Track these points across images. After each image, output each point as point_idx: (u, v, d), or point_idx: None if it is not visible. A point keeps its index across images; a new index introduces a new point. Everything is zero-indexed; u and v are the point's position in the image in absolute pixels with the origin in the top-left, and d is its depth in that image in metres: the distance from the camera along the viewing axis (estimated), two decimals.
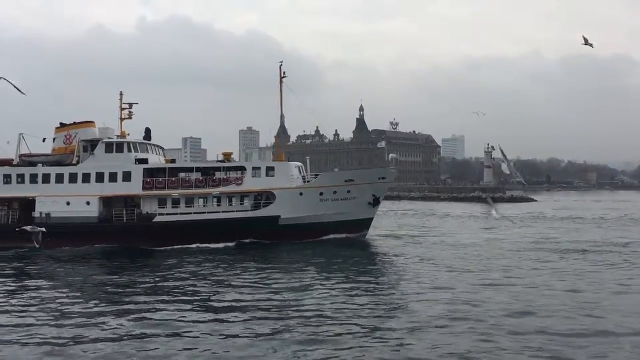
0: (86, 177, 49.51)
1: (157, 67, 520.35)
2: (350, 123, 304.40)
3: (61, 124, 53.81)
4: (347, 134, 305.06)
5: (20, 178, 50.23)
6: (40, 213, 49.28)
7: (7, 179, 50.32)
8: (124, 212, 49.63)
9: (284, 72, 53.75)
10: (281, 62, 53.55)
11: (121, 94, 54.01)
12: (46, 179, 49.82)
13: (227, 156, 53.13)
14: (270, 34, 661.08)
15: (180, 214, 48.72)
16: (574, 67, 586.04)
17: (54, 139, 53.33)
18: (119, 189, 49.42)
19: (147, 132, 53.94)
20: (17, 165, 52.03)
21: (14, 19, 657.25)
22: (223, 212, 48.66)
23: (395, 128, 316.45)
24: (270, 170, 49.13)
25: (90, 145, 51.27)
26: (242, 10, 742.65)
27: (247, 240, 47.66)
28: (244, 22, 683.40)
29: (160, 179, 49.55)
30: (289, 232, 47.72)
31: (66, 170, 50.00)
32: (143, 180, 49.31)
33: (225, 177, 49.77)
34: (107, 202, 50.02)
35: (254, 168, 49.48)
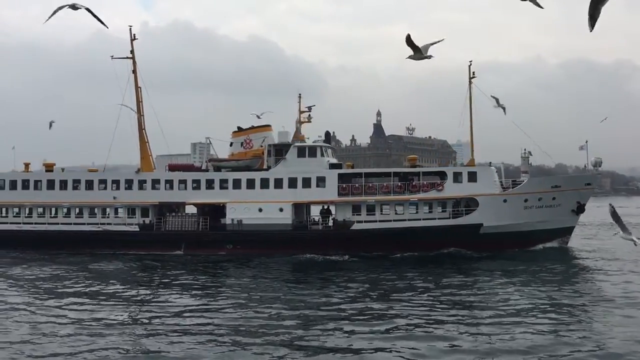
0: (278, 183, 48.17)
1: (159, 72, 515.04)
2: (357, 128, 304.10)
3: (238, 128, 52.84)
4: (360, 139, 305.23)
5: (210, 184, 48.86)
6: (232, 220, 47.96)
7: (196, 184, 48.95)
8: (320, 219, 48.60)
9: (474, 72, 51.08)
10: (470, 61, 51.94)
11: (300, 96, 52.80)
12: (237, 184, 48.47)
13: (413, 160, 51.84)
14: (271, 39, 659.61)
15: (380, 221, 47.51)
16: (576, 73, 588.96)
17: (231, 144, 52.13)
18: (314, 195, 48.12)
19: (327, 135, 52.88)
20: (206, 170, 50.78)
21: (16, 25, 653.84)
22: (423, 219, 47.50)
23: (412, 133, 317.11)
24: (472, 175, 47.90)
25: (275, 149, 50.03)
26: (242, 15, 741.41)
27: (446, 250, 46.27)
28: (245, 28, 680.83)
29: (357, 185, 48.33)
30: (490, 241, 46.23)
31: (257, 176, 48.69)
32: (338, 186, 48.06)
33: (424, 182, 48.55)
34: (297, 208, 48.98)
35: (455, 173, 48.15)
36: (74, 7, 23.06)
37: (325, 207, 49.37)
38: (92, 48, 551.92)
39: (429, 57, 20.49)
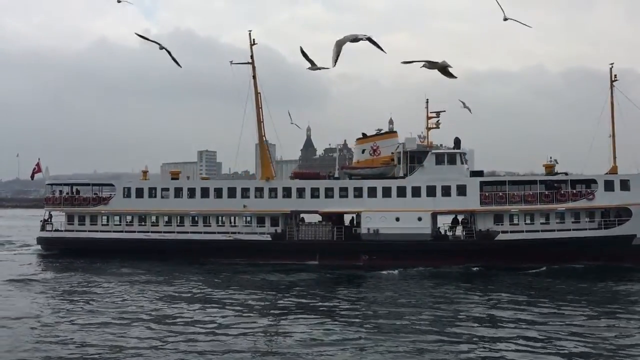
0: (416, 191, 45.69)
1: (163, 81, 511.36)
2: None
3: (363, 134, 50.51)
4: None
5: (343, 192, 46.19)
6: (368, 229, 45.28)
7: (329, 192, 46.31)
8: (461, 229, 46.09)
9: (615, 75, 47.61)
10: (612, 64, 48.85)
11: (427, 102, 50.35)
12: (372, 193, 45.90)
13: (549, 168, 49.18)
14: (273, 48, 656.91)
15: (527, 231, 44.93)
16: (577, 81, 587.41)
17: (363, 150, 49.47)
18: (454, 204, 45.66)
19: (457, 142, 50.17)
20: (338, 178, 48.25)
21: (18, 33, 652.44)
22: (573, 230, 44.91)
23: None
24: (625, 183, 45.36)
25: (408, 156, 47.46)
26: (242, 23, 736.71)
27: (598, 263, 43.28)
28: (247, 36, 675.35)
29: (501, 193, 45.73)
30: None
31: (394, 184, 46.17)
32: (480, 195, 45.50)
33: (573, 191, 45.92)
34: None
35: (606, 181, 45.55)
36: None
37: (462, 216, 46.84)
38: (93, 56, 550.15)
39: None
